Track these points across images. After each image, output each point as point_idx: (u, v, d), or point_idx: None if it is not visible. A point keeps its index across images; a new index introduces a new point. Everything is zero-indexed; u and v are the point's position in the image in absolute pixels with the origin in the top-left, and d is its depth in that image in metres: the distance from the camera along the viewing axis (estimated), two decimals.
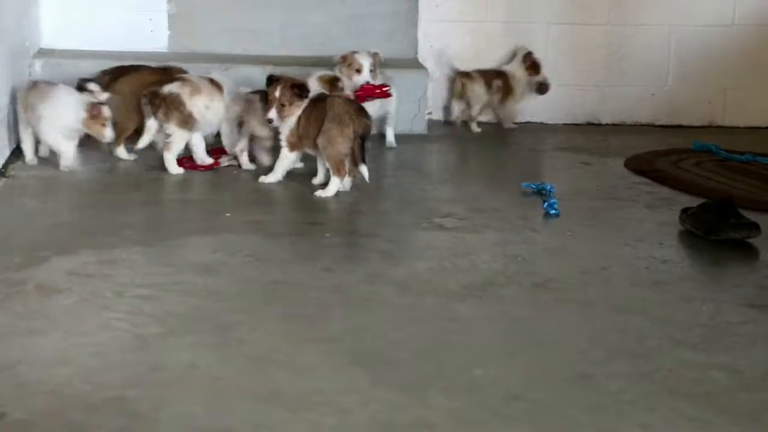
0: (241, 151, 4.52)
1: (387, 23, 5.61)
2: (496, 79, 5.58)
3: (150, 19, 5.53)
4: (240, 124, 4.53)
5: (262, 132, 4.44)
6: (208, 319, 2.87)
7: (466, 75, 5.55)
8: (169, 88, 4.44)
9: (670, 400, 2.47)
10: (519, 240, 3.71)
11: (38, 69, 5.13)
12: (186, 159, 4.58)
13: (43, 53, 5.30)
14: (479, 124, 5.57)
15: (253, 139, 4.52)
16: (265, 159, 4.53)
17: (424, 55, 5.63)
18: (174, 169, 4.43)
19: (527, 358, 2.71)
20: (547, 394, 2.49)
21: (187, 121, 4.43)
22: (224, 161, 4.56)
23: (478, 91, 5.54)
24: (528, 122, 5.79)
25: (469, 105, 5.57)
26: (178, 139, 4.45)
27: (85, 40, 5.44)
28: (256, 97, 4.43)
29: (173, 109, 4.41)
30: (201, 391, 2.44)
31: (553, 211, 3.99)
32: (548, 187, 4.20)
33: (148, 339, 2.71)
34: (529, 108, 5.80)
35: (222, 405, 2.37)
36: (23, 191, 4.06)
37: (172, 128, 4.43)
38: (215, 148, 4.76)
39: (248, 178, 4.41)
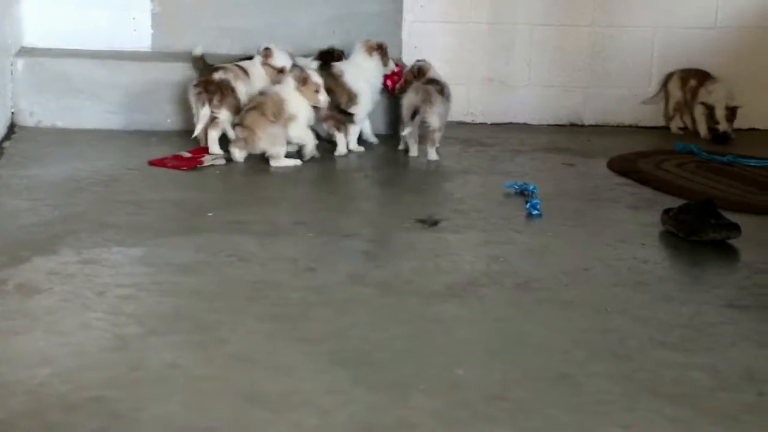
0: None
1: (371, 24, 5.61)
2: (692, 78, 5.73)
3: (134, 18, 5.51)
4: None
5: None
6: (190, 319, 2.86)
7: (670, 74, 5.78)
8: (219, 75, 4.69)
9: (650, 400, 2.48)
10: (501, 240, 3.71)
11: (20, 68, 5.11)
12: (169, 158, 4.57)
13: (25, 52, 5.28)
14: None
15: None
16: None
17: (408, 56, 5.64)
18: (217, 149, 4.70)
19: (509, 358, 2.71)
20: (529, 394, 2.50)
21: (237, 108, 4.67)
22: (207, 160, 4.56)
23: (671, 88, 5.76)
24: (511, 123, 5.80)
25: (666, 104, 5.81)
26: (224, 122, 4.69)
27: (67, 39, 5.42)
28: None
29: (228, 95, 4.66)
30: (181, 391, 2.43)
31: (535, 212, 4.00)
32: (531, 188, 4.21)
33: (128, 339, 2.71)
34: (512, 109, 5.81)
35: (202, 405, 2.37)
36: (4, 190, 4.04)
37: (224, 113, 4.67)
38: (197, 147, 4.76)
39: (230, 178, 4.41)
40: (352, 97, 4.89)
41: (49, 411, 2.31)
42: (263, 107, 4.56)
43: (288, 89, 4.61)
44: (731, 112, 5.56)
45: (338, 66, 4.98)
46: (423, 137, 4.85)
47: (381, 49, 5.00)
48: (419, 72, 4.96)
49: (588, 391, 2.52)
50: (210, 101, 4.64)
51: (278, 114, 4.56)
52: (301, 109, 4.62)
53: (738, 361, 2.74)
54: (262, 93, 4.66)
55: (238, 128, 4.58)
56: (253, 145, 4.57)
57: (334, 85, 4.84)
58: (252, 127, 4.54)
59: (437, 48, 5.70)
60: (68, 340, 2.69)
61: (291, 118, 4.59)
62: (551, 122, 5.85)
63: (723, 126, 5.57)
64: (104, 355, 2.61)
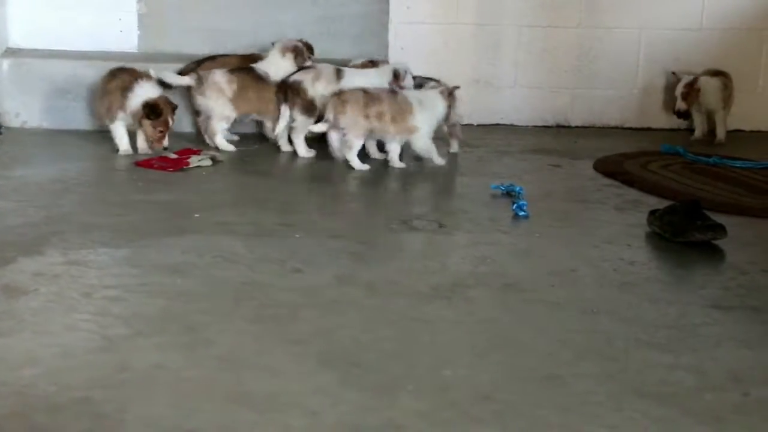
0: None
1: (358, 24, 5.61)
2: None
3: (120, 19, 5.50)
4: None
5: None
6: (176, 320, 2.85)
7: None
8: (293, 77, 4.78)
9: (636, 400, 2.49)
10: (488, 241, 3.71)
11: (5, 68, 5.09)
12: (155, 159, 4.56)
13: (11, 53, 5.27)
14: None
15: None
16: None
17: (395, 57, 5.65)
18: (304, 152, 4.82)
19: (496, 359, 2.72)
20: (516, 395, 2.50)
21: (309, 108, 4.73)
22: (194, 161, 4.55)
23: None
24: (498, 124, 5.81)
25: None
26: (301, 125, 4.79)
27: (54, 40, 5.41)
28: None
29: (295, 95, 4.71)
30: (168, 393, 2.43)
31: (522, 213, 4.00)
32: (517, 189, 4.22)
33: (115, 340, 2.70)
34: (499, 110, 5.82)
35: (189, 406, 2.36)
36: None
37: (296, 114, 4.74)
38: (184, 148, 4.76)
39: (217, 179, 4.40)
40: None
41: (34, 412, 2.30)
42: (374, 103, 4.59)
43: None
44: (687, 91, 5.59)
45: (258, 66, 4.94)
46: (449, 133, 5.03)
47: (296, 50, 4.94)
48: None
49: (575, 392, 2.53)
50: (285, 101, 4.76)
51: (395, 118, 4.62)
52: (425, 123, 4.66)
53: (723, 361, 2.75)
54: (393, 92, 4.70)
55: (334, 97, 4.62)
56: (337, 119, 4.58)
57: (261, 85, 4.85)
58: (347, 103, 4.57)
59: (424, 49, 5.71)
60: (54, 341, 2.68)
61: (412, 130, 4.65)
62: (538, 123, 5.86)
63: (678, 104, 5.61)
64: (90, 356, 2.61)
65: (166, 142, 4.65)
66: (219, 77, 4.83)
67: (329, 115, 4.58)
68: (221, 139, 4.86)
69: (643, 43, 5.87)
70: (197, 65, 5.05)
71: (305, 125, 4.78)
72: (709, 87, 5.62)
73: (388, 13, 5.66)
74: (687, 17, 5.86)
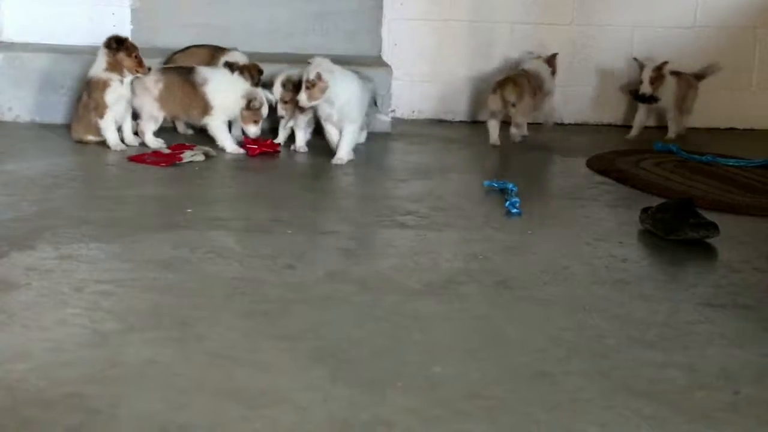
0: None
1: (351, 21, 5.61)
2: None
3: (113, 14, 5.50)
4: None
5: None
6: (168, 316, 2.85)
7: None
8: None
9: (627, 398, 2.49)
10: (480, 238, 3.71)
11: None
12: (148, 154, 4.56)
13: (4, 46, 5.25)
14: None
15: None
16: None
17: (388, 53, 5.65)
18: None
19: (487, 356, 2.72)
20: (506, 392, 2.50)
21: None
22: (186, 156, 4.54)
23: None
24: None
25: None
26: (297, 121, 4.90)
27: (46, 34, 5.41)
28: None
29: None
30: (159, 388, 2.42)
31: (514, 210, 4.01)
32: (510, 186, 4.22)
33: (106, 335, 2.69)
34: None
35: (180, 401, 2.36)
36: None
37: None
38: (177, 144, 4.75)
39: (209, 174, 4.40)
40: (207, 108, 4.81)
41: (25, 407, 2.30)
42: (532, 83, 5.11)
43: (544, 69, 5.35)
44: (655, 75, 5.55)
45: (202, 72, 4.84)
46: None
47: (244, 69, 4.85)
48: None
49: (565, 389, 2.53)
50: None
51: (535, 93, 5.15)
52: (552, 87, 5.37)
53: (714, 359, 2.75)
54: (522, 69, 5.26)
55: (510, 83, 5.02)
56: (520, 106, 5.02)
57: (189, 88, 4.78)
58: (523, 88, 5.00)
59: (417, 45, 5.71)
60: (46, 335, 2.67)
61: (549, 93, 5.34)
62: (530, 120, 5.86)
63: (645, 87, 5.56)
64: (82, 351, 2.60)
65: (147, 64, 4.69)
66: (147, 76, 4.74)
67: (511, 98, 4.97)
68: (150, 138, 4.78)
69: (636, 41, 5.88)
70: (170, 58, 5.03)
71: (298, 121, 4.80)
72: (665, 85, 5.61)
73: (382, 9, 5.66)
74: (680, 15, 5.88)
